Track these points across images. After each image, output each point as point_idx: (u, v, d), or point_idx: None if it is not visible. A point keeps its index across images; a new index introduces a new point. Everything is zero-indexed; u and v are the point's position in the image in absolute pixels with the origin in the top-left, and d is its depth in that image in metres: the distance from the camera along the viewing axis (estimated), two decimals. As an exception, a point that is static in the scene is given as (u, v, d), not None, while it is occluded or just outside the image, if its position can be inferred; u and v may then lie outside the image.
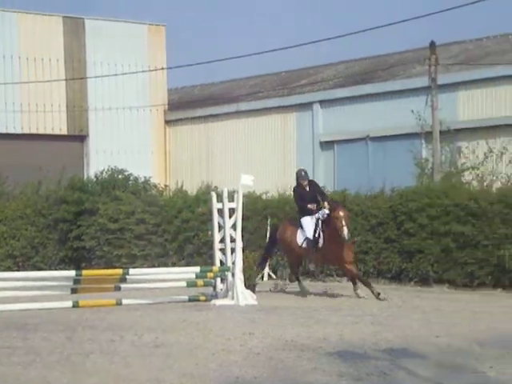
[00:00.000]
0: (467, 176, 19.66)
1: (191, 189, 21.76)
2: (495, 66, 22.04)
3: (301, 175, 15.48)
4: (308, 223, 15.15)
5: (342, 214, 14.72)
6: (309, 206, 15.15)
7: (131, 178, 22.33)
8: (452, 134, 20.90)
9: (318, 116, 25.33)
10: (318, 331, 10.66)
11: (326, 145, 25.17)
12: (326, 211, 14.91)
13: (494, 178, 19.18)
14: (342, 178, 24.20)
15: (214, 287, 14.95)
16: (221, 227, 14.92)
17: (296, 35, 52.88)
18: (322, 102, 25.32)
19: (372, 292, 14.55)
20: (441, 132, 20.07)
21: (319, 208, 15.05)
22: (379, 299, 14.24)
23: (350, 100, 24.59)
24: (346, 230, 14.50)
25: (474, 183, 18.70)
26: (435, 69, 19.79)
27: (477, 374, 8.07)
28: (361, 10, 59.62)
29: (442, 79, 20.35)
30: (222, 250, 14.89)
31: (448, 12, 19.32)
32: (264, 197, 20.20)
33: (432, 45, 19.96)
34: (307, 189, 15.36)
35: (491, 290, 16.01)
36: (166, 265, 19.61)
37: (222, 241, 14.88)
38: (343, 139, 24.62)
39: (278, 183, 22.26)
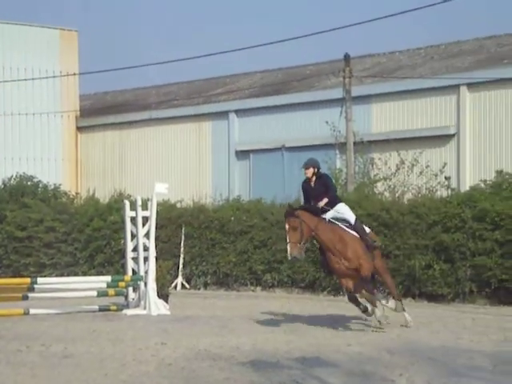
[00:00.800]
0: (380, 187, 19.95)
1: (103, 197, 21.42)
2: (407, 80, 22.50)
3: (303, 165, 12.19)
4: None
5: (286, 226, 11.64)
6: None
7: (40, 185, 21.87)
8: (365, 146, 21.21)
9: (234, 125, 25.35)
10: (231, 340, 10.59)
11: (242, 154, 25.20)
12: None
13: (406, 189, 19.53)
14: (257, 187, 24.27)
15: (126, 297, 14.72)
16: (134, 236, 14.71)
17: (212, 43, 52.96)
18: (237, 111, 25.36)
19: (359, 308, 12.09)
20: (354, 143, 20.33)
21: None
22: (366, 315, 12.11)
23: (266, 110, 24.71)
24: (288, 249, 11.51)
25: (386, 194, 18.98)
26: (349, 81, 20.04)
27: (386, 381, 8.14)
28: (278, 20, 60.18)
29: (356, 91, 20.63)
30: (135, 259, 14.69)
31: (362, 25, 19.67)
32: (179, 205, 20.04)
33: (346, 57, 20.21)
34: (312, 184, 12.11)
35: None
36: (76, 274, 19.26)
37: (135, 249, 14.68)
38: (259, 148, 24.70)
39: (193, 191, 22.16)
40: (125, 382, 8.15)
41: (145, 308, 14.05)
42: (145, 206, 14.79)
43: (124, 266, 15.35)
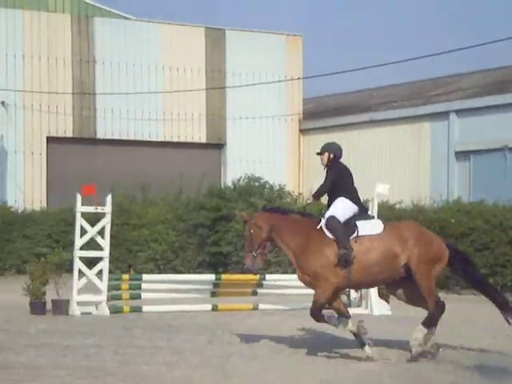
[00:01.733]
0: None
1: (324, 197, 21.90)
2: None
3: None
4: None
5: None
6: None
7: (267, 185, 22.75)
8: None
9: (454, 125, 25.01)
10: (457, 343, 10.47)
11: (462, 155, 24.81)
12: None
13: None
14: (478, 188, 23.79)
15: (348, 296, 15.08)
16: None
17: (431, 44, 52.21)
18: (458, 112, 24.99)
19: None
20: None
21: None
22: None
23: (488, 109, 24.13)
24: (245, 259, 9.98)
25: None
26: None
27: None
28: (499, 17, 58.19)
29: None
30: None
31: None
32: (398, 206, 20.13)
33: None
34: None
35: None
36: (299, 272, 19.81)
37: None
38: (480, 149, 24.20)
39: (412, 193, 22.17)
40: (351, 379, 8.47)
41: (366, 307, 14.35)
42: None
43: (346, 266, 15.69)
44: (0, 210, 22.39)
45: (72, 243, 14.26)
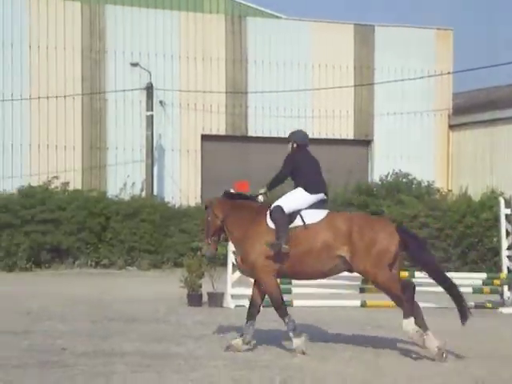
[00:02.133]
0: None
1: (474, 194, 21.65)
2: None
3: None
4: None
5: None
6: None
7: (414, 182, 22.66)
8: None
9: None
10: None
11: None
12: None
13: None
14: None
15: (501, 295, 14.88)
16: (508, 233, 14.84)
17: None
18: None
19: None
20: None
21: None
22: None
23: None
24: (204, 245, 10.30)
25: None
26: None
27: None
28: None
29: None
30: (510, 257, 14.78)
31: None
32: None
33: None
34: None
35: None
36: (448, 270, 19.63)
37: (510, 248, 14.79)
38: None
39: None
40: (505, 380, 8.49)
41: (520, 307, 14.11)
42: (518, 204, 14.83)
43: (497, 264, 15.52)
44: (158, 206, 23.39)
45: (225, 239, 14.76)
